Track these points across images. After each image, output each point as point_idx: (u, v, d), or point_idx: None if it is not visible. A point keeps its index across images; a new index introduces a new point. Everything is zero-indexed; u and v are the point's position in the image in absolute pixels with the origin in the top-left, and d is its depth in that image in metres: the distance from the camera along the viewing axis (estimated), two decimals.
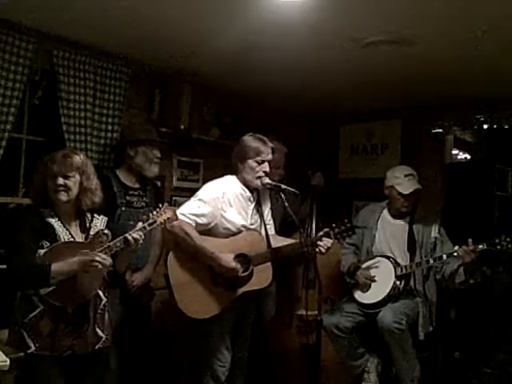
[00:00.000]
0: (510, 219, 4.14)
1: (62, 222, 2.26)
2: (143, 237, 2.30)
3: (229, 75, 3.78)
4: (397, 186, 3.25)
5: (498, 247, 2.83)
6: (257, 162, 2.83)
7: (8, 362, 2.55)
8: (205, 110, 4.09)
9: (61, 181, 2.25)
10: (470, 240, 2.88)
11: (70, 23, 2.92)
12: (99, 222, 2.40)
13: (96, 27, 2.97)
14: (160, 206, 2.41)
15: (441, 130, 4.23)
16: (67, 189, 2.27)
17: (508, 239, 2.82)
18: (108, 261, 2.18)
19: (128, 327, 2.94)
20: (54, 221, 2.24)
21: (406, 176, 3.25)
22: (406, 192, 3.20)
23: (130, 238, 2.24)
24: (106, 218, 2.45)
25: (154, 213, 2.36)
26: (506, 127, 3.90)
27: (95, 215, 2.41)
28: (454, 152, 4.76)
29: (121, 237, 2.24)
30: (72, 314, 2.21)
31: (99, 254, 2.16)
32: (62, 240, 2.22)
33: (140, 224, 2.31)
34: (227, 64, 3.50)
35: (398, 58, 3.21)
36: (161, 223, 2.35)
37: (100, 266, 2.15)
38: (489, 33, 2.76)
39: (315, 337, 2.75)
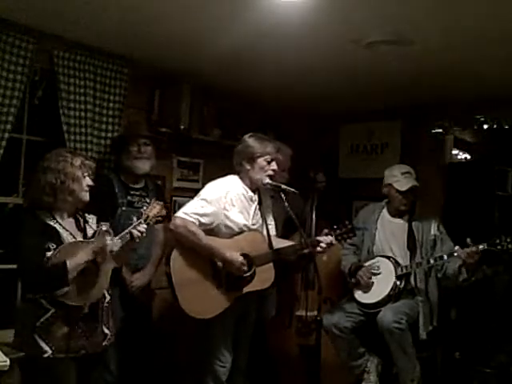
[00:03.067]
0: (510, 219, 4.14)
1: (59, 223, 2.26)
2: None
3: (229, 75, 3.78)
4: (394, 183, 3.28)
5: (499, 247, 2.84)
6: (266, 160, 2.86)
7: (8, 362, 2.54)
8: (205, 110, 4.09)
9: (90, 181, 2.33)
10: (468, 239, 2.90)
11: (70, 23, 2.92)
12: (91, 220, 2.42)
13: (96, 27, 2.97)
14: (148, 201, 2.50)
15: (441, 130, 4.23)
16: (90, 188, 2.35)
17: (508, 239, 2.83)
18: (117, 245, 2.26)
19: (128, 327, 2.94)
20: (52, 222, 2.24)
21: (402, 174, 3.29)
22: (404, 189, 3.23)
23: (135, 231, 2.31)
24: (96, 217, 2.47)
25: (144, 208, 2.43)
26: (506, 127, 3.90)
27: (86, 214, 2.42)
28: (454, 152, 4.76)
29: (126, 231, 2.29)
30: (84, 313, 2.22)
31: (108, 239, 2.24)
32: (66, 241, 2.21)
33: (135, 219, 2.37)
34: (227, 64, 3.50)
35: (398, 58, 3.21)
36: (154, 216, 2.41)
37: (109, 250, 2.23)
38: (489, 33, 2.76)
39: (315, 337, 2.75)
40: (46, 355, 2.12)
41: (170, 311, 2.82)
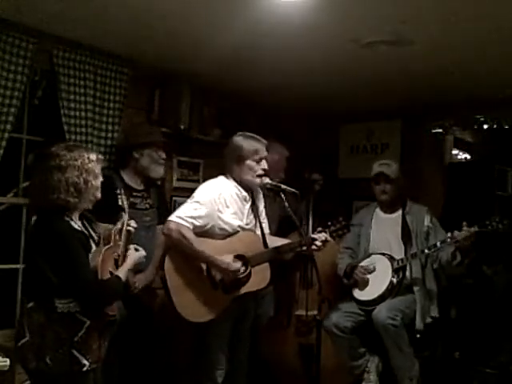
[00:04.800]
0: (510, 219, 4.14)
1: (79, 226, 2.15)
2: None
3: (229, 75, 3.78)
4: (372, 173, 3.40)
5: (490, 227, 2.91)
6: (255, 160, 2.81)
7: (8, 362, 2.54)
8: (205, 110, 4.09)
9: (101, 178, 2.23)
10: (464, 223, 2.94)
11: (70, 23, 2.92)
12: (89, 220, 2.34)
13: (96, 27, 2.97)
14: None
15: (441, 130, 4.23)
16: None
17: (497, 219, 2.90)
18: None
19: (130, 327, 2.93)
20: (77, 226, 2.12)
21: (379, 165, 3.42)
22: (373, 174, 3.35)
23: (131, 228, 2.34)
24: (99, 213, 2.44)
25: (120, 202, 2.51)
26: (506, 127, 3.91)
27: (86, 214, 2.34)
28: (454, 152, 4.77)
29: (123, 232, 2.29)
30: (110, 320, 2.17)
31: (139, 249, 2.27)
32: (93, 246, 2.14)
33: (125, 216, 2.38)
34: (227, 64, 3.50)
35: (397, 58, 3.21)
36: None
37: (144, 260, 2.33)
38: (489, 33, 2.76)
39: (315, 337, 2.75)
40: (84, 369, 2.05)
41: (171, 311, 2.81)
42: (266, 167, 2.84)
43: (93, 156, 2.17)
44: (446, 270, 3.19)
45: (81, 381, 2.08)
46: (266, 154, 2.86)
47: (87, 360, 2.05)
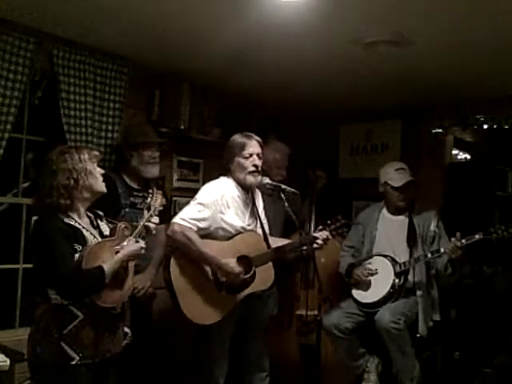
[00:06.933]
0: (510, 219, 4.14)
1: (78, 223, 2.18)
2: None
3: (229, 75, 3.78)
4: (389, 181, 3.31)
5: (495, 235, 2.88)
6: (244, 157, 2.78)
7: (8, 362, 2.54)
8: (205, 109, 4.08)
9: (101, 170, 2.30)
10: (457, 234, 2.91)
11: (70, 23, 2.92)
12: (100, 217, 2.37)
13: (96, 27, 2.96)
14: (151, 191, 2.47)
15: (441, 130, 4.23)
16: None
17: (503, 227, 2.87)
18: (143, 245, 2.26)
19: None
20: (73, 222, 2.16)
21: (396, 170, 3.33)
22: (398, 185, 3.27)
23: (151, 224, 2.30)
24: (102, 213, 2.44)
25: (149, 200, 2.41)
26: (506, 127, 3.90)
27: (95, 211, 2.38)
28: (454, 152, 4.77)
29: (140, 225, 2.27)
30: (112, 315, 2.18)
31: (139, 241, 2.23)
32: (89, 240, 2.16)
33: (146, 212, 2.35)
34: (227, 64, 3.49)
35: (397, 58, 3.21)
36: (159, 205, 2.39)
37: (143, 251, 2.25)
38: (489, 32, 2.76)
39: (315, 337, 2.75)
40: (73, 362, 2.05)
41: (170, 311, 2.81)
42: (257, 163, 2.80)
43: (84, 155, 2.23)
44: (441, 279, 3.18)
45: (69, 374, 2.08)
46: (257, 150, 2.81)
47: (77, 354, 2.06)
